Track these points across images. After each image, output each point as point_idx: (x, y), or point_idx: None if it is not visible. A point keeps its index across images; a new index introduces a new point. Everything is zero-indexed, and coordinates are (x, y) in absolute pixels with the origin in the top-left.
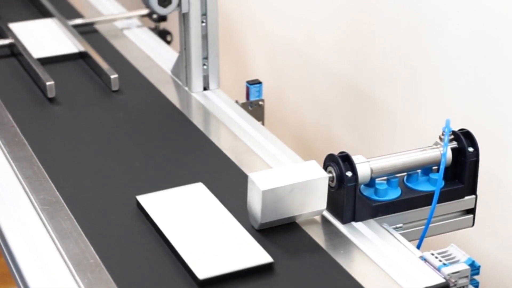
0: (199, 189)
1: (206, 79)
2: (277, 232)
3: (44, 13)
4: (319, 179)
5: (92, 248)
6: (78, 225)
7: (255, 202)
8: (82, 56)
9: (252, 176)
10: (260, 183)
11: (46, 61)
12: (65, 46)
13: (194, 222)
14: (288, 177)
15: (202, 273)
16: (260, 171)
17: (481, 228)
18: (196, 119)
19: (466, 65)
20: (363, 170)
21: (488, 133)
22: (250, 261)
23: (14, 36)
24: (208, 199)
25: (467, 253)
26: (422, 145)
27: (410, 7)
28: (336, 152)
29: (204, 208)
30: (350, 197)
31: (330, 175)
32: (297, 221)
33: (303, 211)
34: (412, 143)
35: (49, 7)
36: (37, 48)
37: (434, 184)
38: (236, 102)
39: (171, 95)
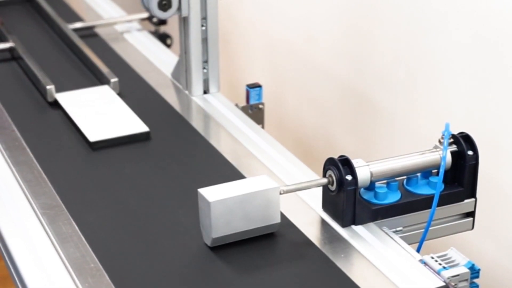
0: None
1: (206, 83)
2: (276, 235)
3: (44, 17)
4: (270, 190)
5: (92, 253)
6: (78, 229)
7: (205, 216)
8: (80, 57)
9: (202, 190)
10: (209, 195)
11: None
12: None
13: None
14: (238, 188)
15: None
16: (210, 186)
17: (481, 231)
18: (196, 123)
19: (465, 68)
20: (363, 173)
21: (488, 136)
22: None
23: (14, 40)
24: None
25: (467, 256)
26: (422, 148)
27: (410, 10)
28: (335, 155)
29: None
30: (350, 200)
31: (330, 178)
32: (297, 226)
33: (256, 224)
34: (411, 146)
35: (49, 10)
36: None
37: (433, 187)
38: (236, 105)
39: (171, 98)
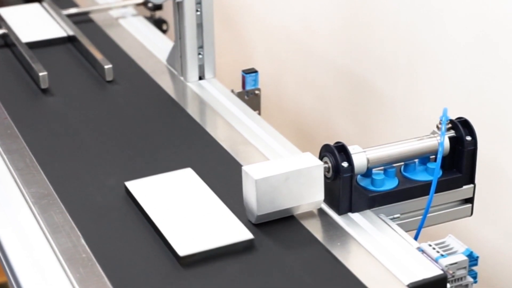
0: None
1: (201, 69)
2: (272, 224)
3: (38, 2)
4: (314, 167)
5: (84, 242)
6: (70, 219)
7: (250, 193)
8: (74, 44)
9: (246, 167)
10: (254, 173)
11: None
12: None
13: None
14: (282, 166)
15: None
16: (253, 164)
17: (480, 218)
18: (192, 109)
19: (465, 53)
20: (359, 160)
21: (488, 121)
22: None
23: (7, 26)
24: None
25: (466, 243)
26: (422, 133)
27: None
28: (335, 142)
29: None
30: (347, 188)
31: (326, 165)
32: (294, 215)
33: (300, 202)
34: (411, 131)
35: None
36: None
37: (431, 173)
38: (232, 91)
39: (166, 85)
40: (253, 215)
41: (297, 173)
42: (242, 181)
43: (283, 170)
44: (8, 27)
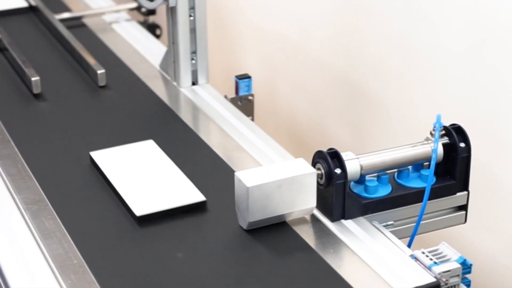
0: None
1: (194, 74)
2: (265, 230)
3: (31, 7)
4: (307, 175)
5: (76, 248)
6: (62, 225)
7: (242, 200)
8: (67, 48)
9: (239, 173)
10: (247, 180)
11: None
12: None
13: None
14: (275, 173)
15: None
16: (246, 169)
17: (475, 224)
18: (184, 115)
19: (459, 60)
20: (353, 167)
21: (482, 128)
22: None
23: (0, 31)
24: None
25: (461, 250)
26: (416, 139)
27: (403, 1)
28: (329, 147)
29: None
30: (340, 194)
31: (319, 172)
32: (287, 221)
33: (292, 209)
34: (405, 137)
35: (36, 0)
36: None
37: (425, 180)
38: (225, 97)
39: (159, 90)
40: (245, 221)
41: (290, 180)
42: (235, 186)
43: (276, 178)
44: (0, 31)
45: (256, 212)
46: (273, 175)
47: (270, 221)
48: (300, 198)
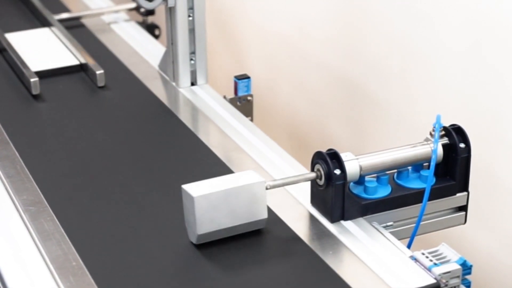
0: None
1: (193, 74)
2: (263, 231)
3: (29, 7)
4: (255, 184)
5: (74, 250)
6: (61, 227)
7: (190, 212)
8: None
9: (185, 186)
10: (193, 190)
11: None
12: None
13: None
14: (223, 183)
15: None
16: (193, 182)
17: (475, 225)
18: (184, 115)
19: (459, 60)
20: (352, 167)
21: (482, 128)
22: None
23: None
24: None
25: (461, 251)
26: (416, 139)
27: (403, 1)
28: (329, 147)
29: None
30: (339, 195)
31: (318, 173)
32: (285, 222)
33: (242, 220)
34: (405, 137)
35: (35, 1)
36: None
37: (425, 181)
38: (224, 97)
39: (158, 90)
40: (194, 234)
41: (238, 189)
42: (183, 200)
43: (223, 187)
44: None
45: (204, 224)
46: (221, 185)
47: (221, 234)
48: (250, 209)
